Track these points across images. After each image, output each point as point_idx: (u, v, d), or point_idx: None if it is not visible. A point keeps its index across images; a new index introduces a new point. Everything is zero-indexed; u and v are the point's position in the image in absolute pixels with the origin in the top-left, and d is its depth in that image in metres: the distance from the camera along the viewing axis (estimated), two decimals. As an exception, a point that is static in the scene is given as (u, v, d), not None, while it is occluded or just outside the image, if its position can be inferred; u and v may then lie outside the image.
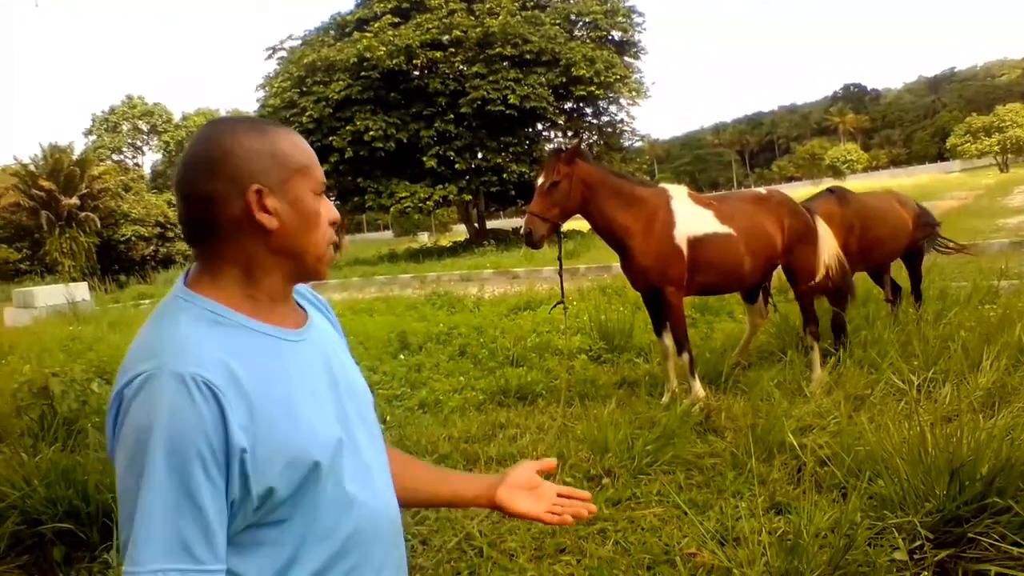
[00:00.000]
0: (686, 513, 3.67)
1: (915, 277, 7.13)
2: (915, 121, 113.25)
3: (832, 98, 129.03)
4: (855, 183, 62.29)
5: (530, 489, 1.54)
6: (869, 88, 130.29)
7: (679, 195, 5.62)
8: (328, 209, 1.31)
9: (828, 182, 74.00)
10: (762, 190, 6.17)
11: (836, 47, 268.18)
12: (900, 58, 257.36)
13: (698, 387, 5.37)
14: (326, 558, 1.22)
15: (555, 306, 6.42)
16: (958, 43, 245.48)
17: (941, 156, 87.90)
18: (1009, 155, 65.80)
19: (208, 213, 1.21)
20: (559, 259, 6.12)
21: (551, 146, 29.65)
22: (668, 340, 5.55)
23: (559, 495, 1.55)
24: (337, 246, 1.46)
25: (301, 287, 1.40)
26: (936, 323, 6.41)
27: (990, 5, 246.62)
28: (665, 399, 5.44)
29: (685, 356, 5.40)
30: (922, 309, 6.88)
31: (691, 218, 5.47)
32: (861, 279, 7.72)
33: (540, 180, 5.23)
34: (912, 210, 7.03)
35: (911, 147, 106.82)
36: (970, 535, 3.12)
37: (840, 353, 5.82)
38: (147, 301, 19.05)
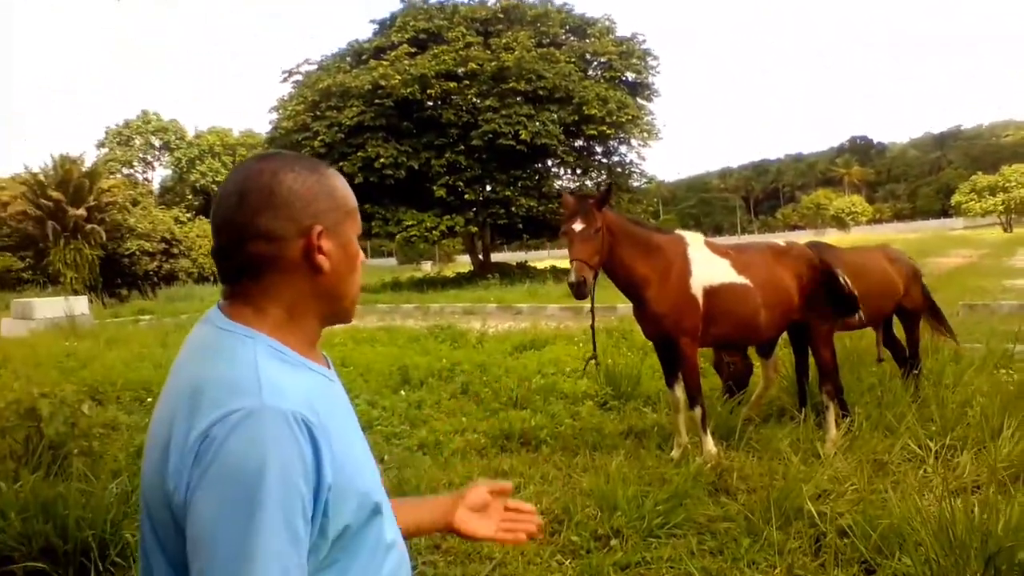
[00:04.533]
0: (699, 582, 3.48)
1: (910, 338, 6.72)
2: (920, 176, 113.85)
3: (838, 149, 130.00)
4: (859, 235, 62.50)
5: (482, 509, 1.56)
6: (875, 141, 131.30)
7: (695, 243, 5.48)
8: (360, 251, 1.31)
9: (832, 232, 74.47)
10: (781, 242, 6.04)
11: (843, 99, 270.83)
12: (906, 113, 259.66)
13: (710, 444, 5.18)
14: None
15: (588, 362, 6.26)
16: (964, 102, 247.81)
17: (944, 212, 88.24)
18: (1013, 215, 66.04)
19: (263, 250, 1.18)
20: (592, 311, 5.93)
21: (563, 185, 29.71)
22: (679, 392, 5.37)
23: (507, 508, 1.59)
24: None
25: None
26: (953, 387, 6.25)
27: (997, 66, 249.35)
28: (675, 454, 5.25)
29: (697, 410, 5.21)
30: (939, 371, 6.70)
31: (707, 267, 5.33)
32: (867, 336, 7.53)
33: (578, 226, 4.95)
34: (904, 267, 6.72)
35: (915, 202, 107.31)
36: (1006, 626, 2.94)
37: (856, 414, 5.65)
38: (147, 317, 18.86)
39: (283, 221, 1.18)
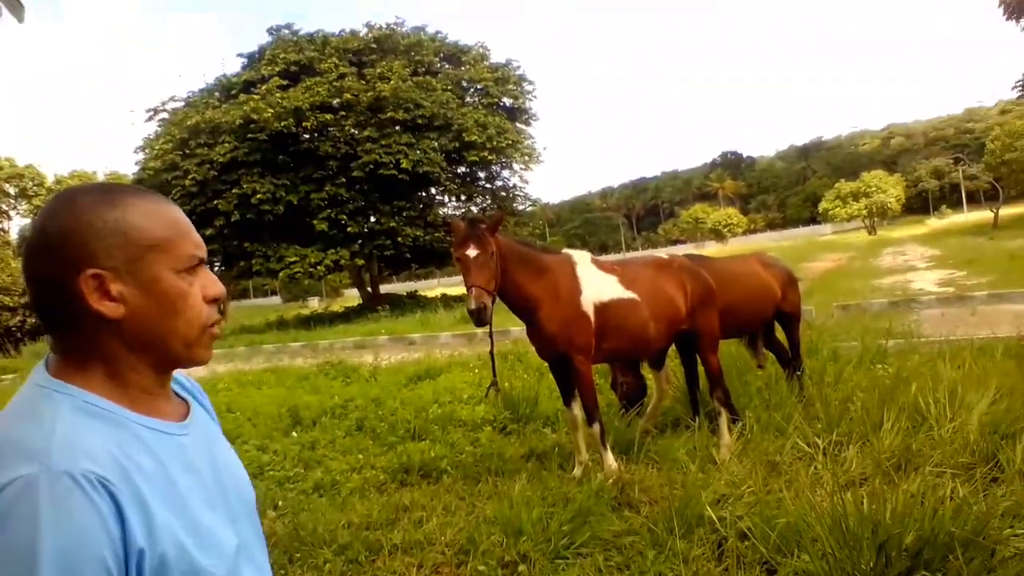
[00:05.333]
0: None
1: (791, 340, 6.94)
2: (788, 187, 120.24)
3: (711, 165, 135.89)
4: (736, 245, 65.18)
5: None
6: (744, 155, 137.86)
7: (583, 261, 5.53)
8: (206, 284, 1.16)
9: (711, 244, 77.40)
10: (663, 255, 6.17)
11: (713, 116, 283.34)
12: (771, 127, 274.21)
13: (610, 459, 5.19)
14: None
15: (489, 389, 6.20)
16: (824, 114, 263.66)
17: (813, 219, 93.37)
18: (876, 218, 70.49)
19: (52, 301, 1.07)
20: (491, 336, 5.88)
21: (448, 213, 29.72)
22: (577, 410, 5.38)
23: None
24: (222, 315, 1.23)
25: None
26: (835, 384, 6.52)
27: (852, 81, 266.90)
28: (577, 472, 5.24)
29: (596, 427, 5.23)
30: (820, 370, 6.97)
31: (596, 284, 5.38)
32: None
33: (472, 252, 4.88)
34: (780, 272, 6.92)
35: (785, 211, 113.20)
36: (901, 612, 3.03)
37: (747, 418, 5.80)
38: (10, 376, 17.61)
39: (56, 266, 1.05)
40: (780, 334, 7.15)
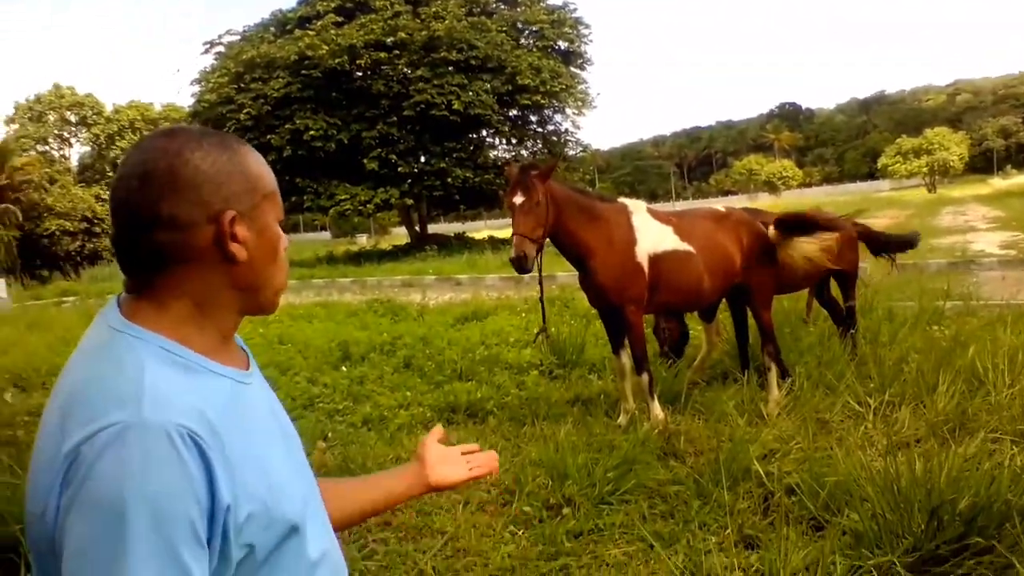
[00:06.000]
0: (652, 547, 3.48)
1: (846, 298, 6.79)
2: (847, 140, 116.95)
3: (768, 116, 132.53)
4: (790, 199, 63.82)
5: (445, 461, 1.58)
6: (803, 107, 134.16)
7: (639, 210, 5.45)
8: (284, 236, 1.21)
9: (764, 197, 75.90)
10: (721, 207, 6.05)
11: (771, 65, 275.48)
12: (833, 78, 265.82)
13: (657, 409, 5.19)
14: None
15: (538, 335, 6.21)
16: (888, 67, 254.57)
17: (871, 175, 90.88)
18: (936, 176, 68.34)
19: (165, 239, 1.04)
20: (540, 283, 5.87)
21: (498, 156, 29.51)
22: (626, 359, 5.36)
23: (464, 453, 1.63)
24: None
25: None
26: (889, 344, 6.40)
27: (918, 33, 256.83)
28: (622, 420, 5.25)
29: (644, 376, 5.21)
30: (874, 330, 6.84)
31: (652, 235, 5.30)
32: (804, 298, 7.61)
33: (519, 199, 4.85)
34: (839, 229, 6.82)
35: (843, 165, 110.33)
36: (952, 576, 3.00)
37: (797, 374, 5.73)
38: (71, 299, 18.22)
39: (189, 206, 1.04)
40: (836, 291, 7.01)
